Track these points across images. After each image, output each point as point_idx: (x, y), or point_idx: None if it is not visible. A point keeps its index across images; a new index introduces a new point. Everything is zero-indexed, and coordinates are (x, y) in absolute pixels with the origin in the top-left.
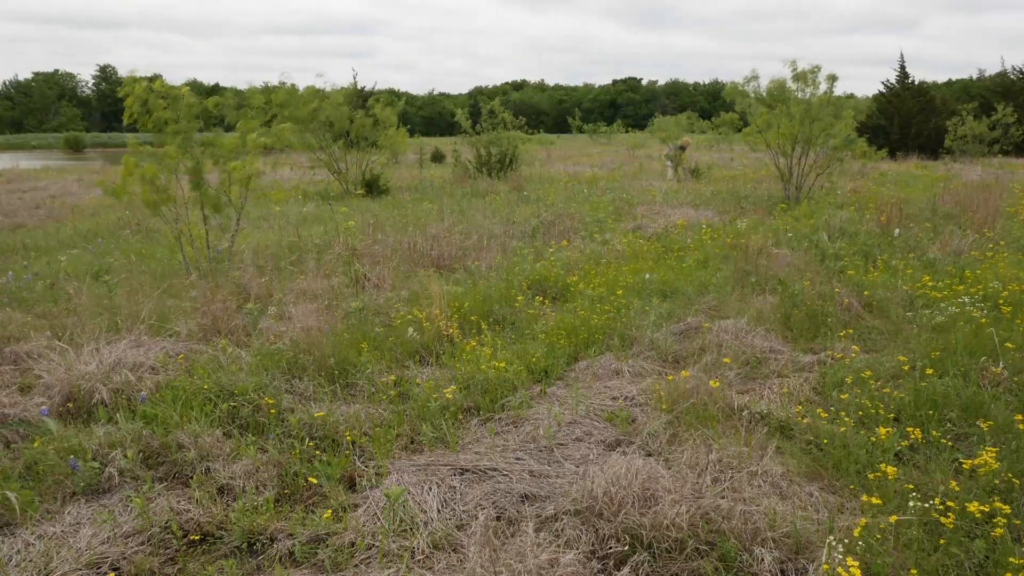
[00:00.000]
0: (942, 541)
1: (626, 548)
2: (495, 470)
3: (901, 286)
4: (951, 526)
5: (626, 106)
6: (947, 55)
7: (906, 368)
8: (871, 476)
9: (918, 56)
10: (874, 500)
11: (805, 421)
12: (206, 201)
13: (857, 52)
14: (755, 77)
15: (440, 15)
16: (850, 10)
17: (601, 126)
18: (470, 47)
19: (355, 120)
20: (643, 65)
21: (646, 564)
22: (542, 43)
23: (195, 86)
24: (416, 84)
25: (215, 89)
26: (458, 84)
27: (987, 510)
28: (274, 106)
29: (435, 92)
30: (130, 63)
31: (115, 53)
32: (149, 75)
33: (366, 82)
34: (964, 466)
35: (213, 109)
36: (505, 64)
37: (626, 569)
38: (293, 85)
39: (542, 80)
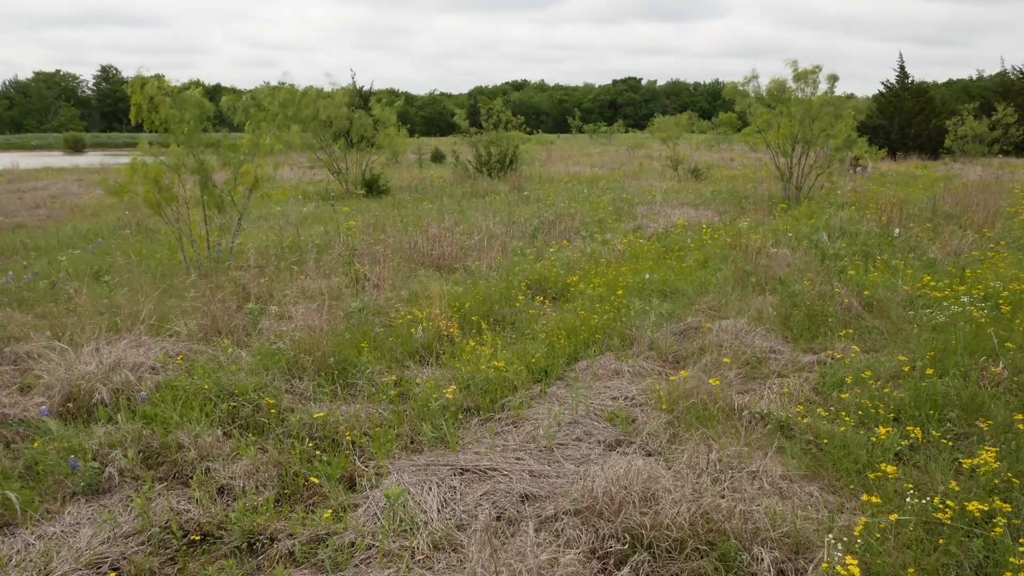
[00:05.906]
0: (941, 541)
1: (626, 548)
2: (495, 470)
3: (901, 286)
4: (947, 521)
5: (626, 106)
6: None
7: (906, 368)
8: (871, 476)
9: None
10: (874, 499)
11: (805, 421)
12: (211, 202)
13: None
14: (755, 77)
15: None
16: None
17: (601, 126)
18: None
19: (355, 120)
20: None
21: (646, 564)
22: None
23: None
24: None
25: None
26: (461, 83)
27: (987, 509)
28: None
29: (436, 92)
30: None
31: None
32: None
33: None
34: (964, 466)
35: (227, 111)
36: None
37: (626, 569)
38: (293, 86)
39: (542, 80)
